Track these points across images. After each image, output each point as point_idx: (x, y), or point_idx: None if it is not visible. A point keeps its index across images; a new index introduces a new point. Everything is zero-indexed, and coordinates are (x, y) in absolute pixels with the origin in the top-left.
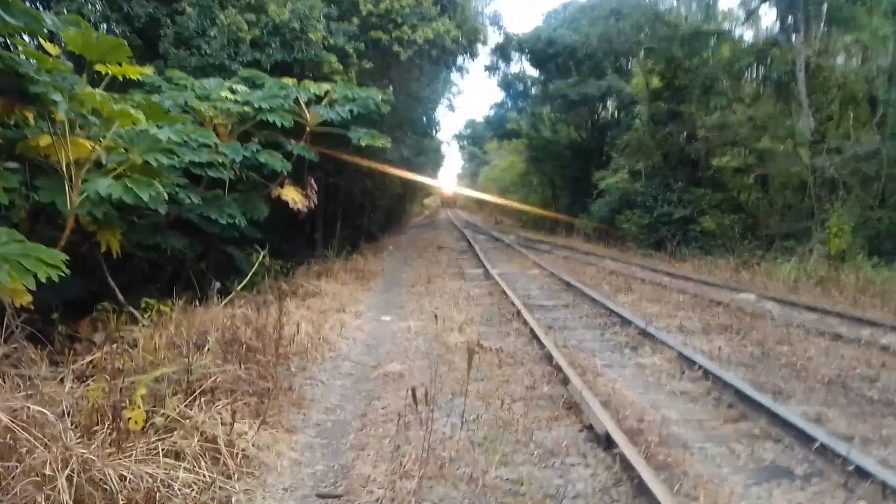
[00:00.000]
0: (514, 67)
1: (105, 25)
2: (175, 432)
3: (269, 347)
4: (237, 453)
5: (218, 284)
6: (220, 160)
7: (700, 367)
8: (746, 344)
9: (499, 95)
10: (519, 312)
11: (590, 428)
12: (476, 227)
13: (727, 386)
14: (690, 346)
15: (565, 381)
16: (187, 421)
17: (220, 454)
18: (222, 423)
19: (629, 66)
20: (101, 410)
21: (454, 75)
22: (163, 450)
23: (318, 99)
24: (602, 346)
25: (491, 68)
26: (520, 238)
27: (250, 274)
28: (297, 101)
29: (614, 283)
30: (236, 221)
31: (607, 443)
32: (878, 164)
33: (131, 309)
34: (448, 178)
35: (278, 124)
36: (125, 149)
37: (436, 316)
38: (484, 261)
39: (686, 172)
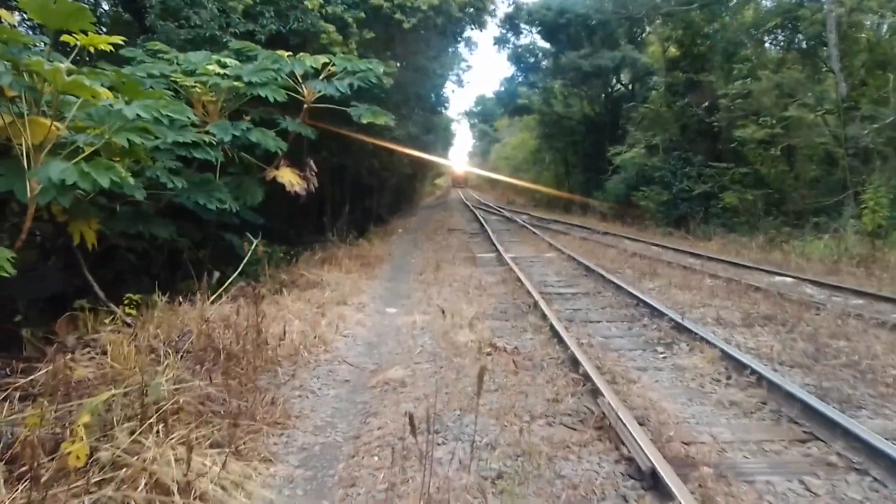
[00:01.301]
0: (524, 40)
1: (93, 2)
2: (123, 470)
3: (250, 354)
4: (194, 500)
5: (217, 274)
6: (207, 140)
7: (750, 369)
8: (796, 338)
9: (508, 70)
10: (536, 304)
11: (629, 459)
12: (488, 207)
13: (787, 395)
14: (734, 343)
15: (594, 392)
16: (136, 458)
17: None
18: (176, 460)
19: (644, 36)
20: (32, 445)
21: (462, 49)
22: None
23: (316, 72)
24: (631, 343)
25: (500, 41)
26: (533, 218)
27: (242, 264)
28: (292, 74)
29: (637, 267)
30: (227, 207)
31: (653, 480)
32: None
33: (111, 306)
34: (459, 157)
35: (271, 99)
36: (95, 129)
37: (443, 311)
38: (496, 244)
39: (706, 145)
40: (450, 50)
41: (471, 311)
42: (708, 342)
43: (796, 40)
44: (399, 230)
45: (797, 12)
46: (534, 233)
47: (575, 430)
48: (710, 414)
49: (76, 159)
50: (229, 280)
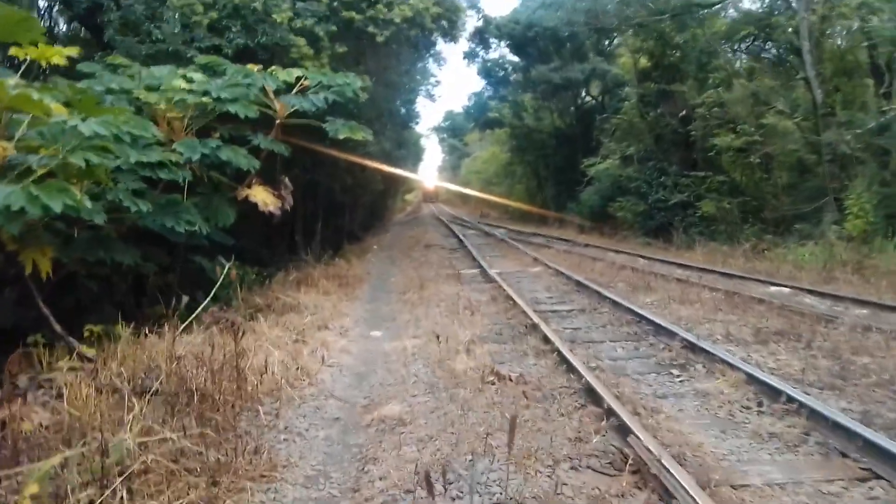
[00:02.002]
0: (493, 54)
1: (49, 21)
2: None
3: (228, 394)
4: None
5: (186, 299)
6: (174, 159)
7: (785, 395)
8: (816, 355)
9: (477, 85)
10: (535, 325)
11: None
12: (463, 221)
13: (833, 425)
14: (753, 363)
15: (622, 430)
16: None
17: None
18: None
19: (612, 48)
20: None
21: (431, 65)
22: None
23: (289, 87)
24: (643, 365)
25: (469, 55)
26: (511, 232)
27: (213, 290)
28: (263, 90)
29: (629, 280)
30: (197, 229)
31: None
32: (893, 137)
33: (69, 340)
34: (428, 172)
35: (242, 116)
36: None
37: (437, 336)
38: (479, 259)
39: (680, 155)
40: (420, 65)
41: (464, 333)
42: (728, 363)
43: (767, 48)
44: (374, 247)
45: (770, 21)
46: (515, 246)
47: (609, 475)
48: (750, 449)
49: (25, 182)
50: (201, 307)
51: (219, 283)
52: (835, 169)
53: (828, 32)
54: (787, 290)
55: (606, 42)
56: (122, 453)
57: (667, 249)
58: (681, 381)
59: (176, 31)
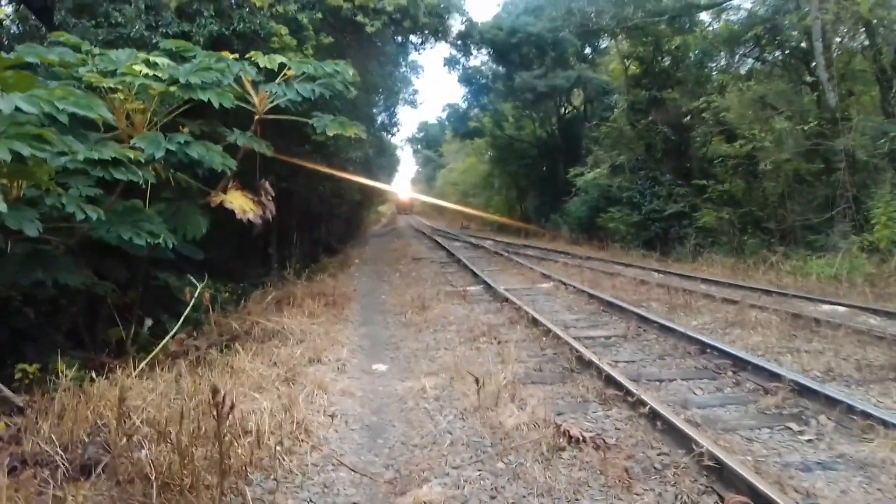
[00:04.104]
0: (475, 61)
1: None
2: None
3: (203, 469)
4: None
5: (149, 322)
6: (133, 157)
7: None
8: None
9: (456, 95)
10: (583, 358)
11: None
12: (445, 233)
13: None
14: (891, 410)
15: None
16: None
17: None
18: None
19: (596, 55)
20: None
21: (410, 74)
22: None
23: (270, 78)
24: (742, 414)
25: (450, 62)
26: (500, 244)
27: (183, 316)
28: (239, 79)
29: (660, 298)
30: (162, 242)
31: None
32: None
33: None
34: (402, 184)
35: (215, 104)
36: None
37: (477, 380)
38: (479, 274)
39: (672, 164)
40: (401, 70)
41: (497, 370)
42: (870, 415)
43: (770, 52)
44: (356, 261)
45: (776, 21)
46: (512, 260)
47: None
48: None
49: None
50: (168, 336)
51: (188, 309)
52: (849, 177)
53: (840, 34)
54: (842, 309)
55: (590, 50)
56: None
57: (671, 262)
58: (810, 442)
59: (139, 14)
